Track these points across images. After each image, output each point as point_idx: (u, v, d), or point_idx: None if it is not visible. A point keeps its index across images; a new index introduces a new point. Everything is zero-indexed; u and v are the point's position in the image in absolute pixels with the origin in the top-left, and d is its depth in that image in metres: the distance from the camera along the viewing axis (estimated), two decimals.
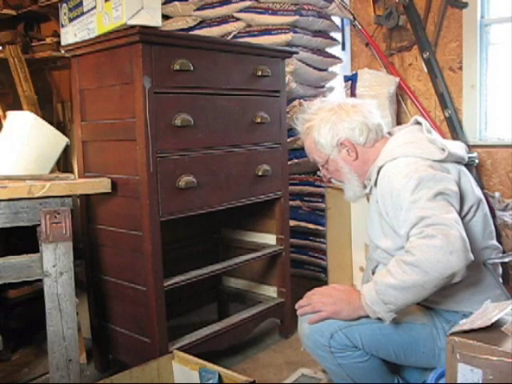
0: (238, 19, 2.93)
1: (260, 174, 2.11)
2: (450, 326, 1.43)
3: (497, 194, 3.03)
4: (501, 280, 1.52)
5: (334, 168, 1.60)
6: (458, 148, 1.50)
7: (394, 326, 1.43)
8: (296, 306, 1.51)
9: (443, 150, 1.43)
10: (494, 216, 3.01)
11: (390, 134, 1.60)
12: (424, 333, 1.45)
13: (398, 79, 3.20)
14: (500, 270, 1.54)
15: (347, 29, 3.64)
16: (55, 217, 1.62)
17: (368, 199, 1.64)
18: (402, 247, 1.37)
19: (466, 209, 1.43)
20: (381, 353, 1.47)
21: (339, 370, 1.48)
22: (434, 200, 1.32)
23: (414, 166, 1.39)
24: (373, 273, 1.60)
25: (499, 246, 1.53)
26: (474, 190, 1.48)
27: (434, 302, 1.47)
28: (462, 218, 1.39)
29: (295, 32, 2.78)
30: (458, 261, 1.25)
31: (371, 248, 1.63)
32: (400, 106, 3.32)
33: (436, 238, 1.25)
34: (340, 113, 1.55)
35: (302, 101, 2.83)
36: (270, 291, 2.37)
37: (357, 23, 3.34)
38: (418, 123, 1.57)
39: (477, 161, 2.99)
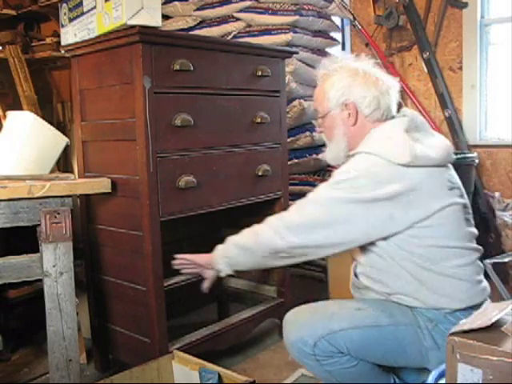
0: (238, 19, 2.93)
1: (260, 173, 2.11)
2: (434, 325, 1.44)
3: (497, 194, 3.03)
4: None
5: (330, 124, 1.59)
6: (433, 149, 1.46)
7: (378, 330, 1.43)
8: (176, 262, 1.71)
9: (408, 154, 1.40)
10: (494, 216, 3.02)
11: (393, 117, 1.58)
12: (408, 334, 1.44)
13: (397, 79, 3.19)
14: (480, 265, 1.52)
15: (347, 29, 3.65)
16: (55, 217, 1.61)
17: None
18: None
19: (425, 211, 1.42)
20: (369, 357, 1.45)
21: (329, 377, 1.46)
22: (313, 203, 1.48)
23: (365, 170, 1.43)
24: (354, 273, 1.62)
25: (478, 247, 1.52)
26: (441, 196, 1.44)
27: (411, 298, 1.46)
28: (422, 220, 1.41)
29: (295, 32, 2.78)
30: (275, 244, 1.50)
31: None
32: (400, 106, 3.31)
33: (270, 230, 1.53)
34: (360, 78, 1.54)
35: (302, 101, 2.83)
36: (270, 291, 2.37)
37: (357, 23, 3.35)
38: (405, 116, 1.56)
39: (477, 161, 2.99)
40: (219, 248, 1.64)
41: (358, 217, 1.42)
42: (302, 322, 1.47)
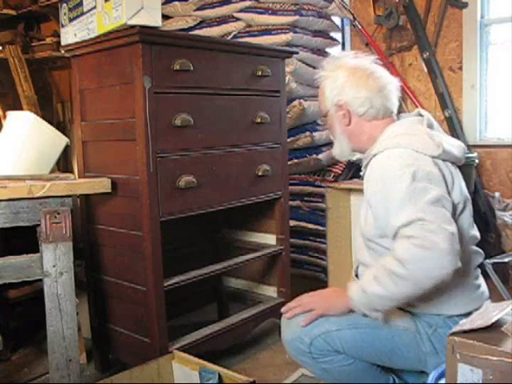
0: (238, 19, 2.93)
1: (260, 173, 2.11)
2: (433, 330, 1.43)
3: (497, 194, 3.03)
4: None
5: (330, 123, 1.63)
6: (455, 147, 1.48)
7: (375, 331, 1.42)
8: (283, 310, 1.50)
9: (438, 146, 1.41)
10: (494, 216, 3.02)
11: (391, 113, 1.58)
12: (407, 338, 1.43)
13: (397, 79, 3.20)
14: (478, 271, 1.51)
15: (347, 29, 3.65)
16: (55, 217, 1.62)
17: None
18: (380, 236, 1.40)
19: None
20: (364, 357, 1.45)
21: (325, 375, 1.47)
22: (434, 204, 1.29)
23: (407, 159, 1.36)
24: (356, 274, 1.61)
25: (481, 251, 1.51)
26: (461, 192, 1.45)
27: (412, 305, 1.45)
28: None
29: (295, 32, 2.78)
30: (446, 274, 1.26)
31: (354, 246, 1.62)
32: (400, 106, 3.32)
33: (431, 250, 1.23)
34: (354, 78, 1.53)
35: (301, 101, 2.83)
36: (270, 291, 2.37)
37: (357, 23, 3.35)
38: (421, 115, 1.56)
39: (477, 161, 2.99)
40: (356, 299, 1.38)
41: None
42: (300, 321, 1.46)
